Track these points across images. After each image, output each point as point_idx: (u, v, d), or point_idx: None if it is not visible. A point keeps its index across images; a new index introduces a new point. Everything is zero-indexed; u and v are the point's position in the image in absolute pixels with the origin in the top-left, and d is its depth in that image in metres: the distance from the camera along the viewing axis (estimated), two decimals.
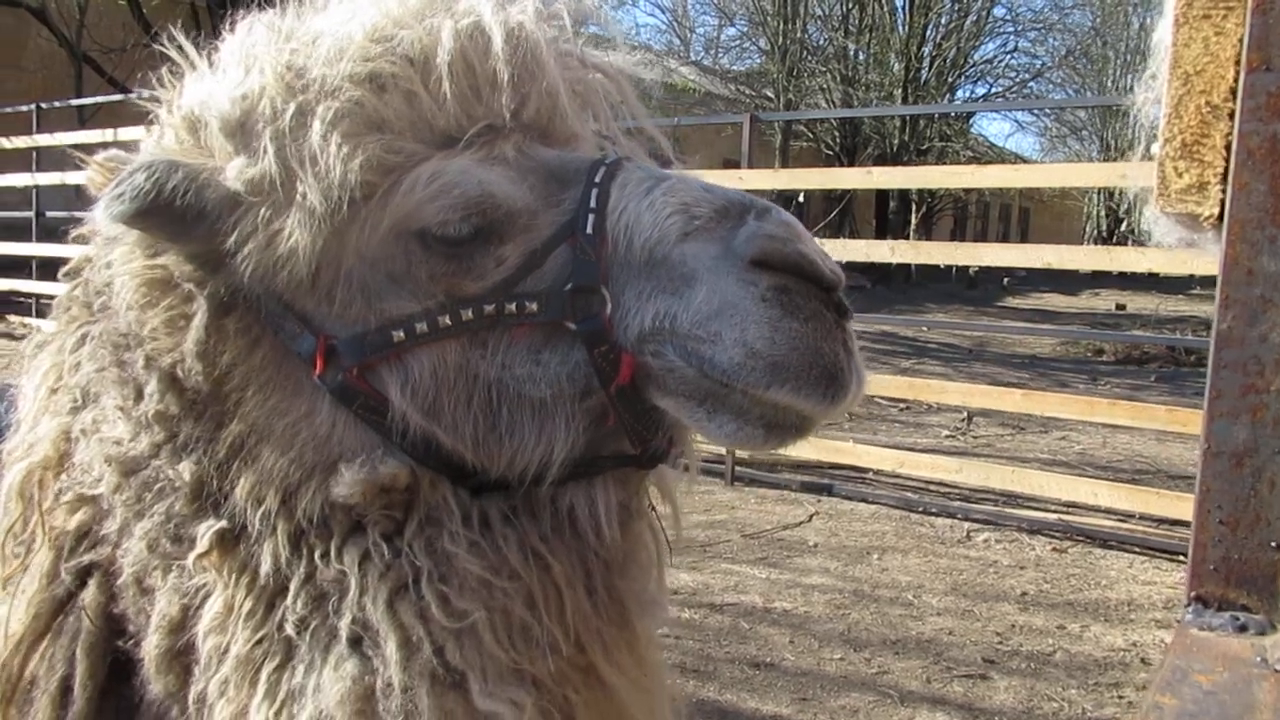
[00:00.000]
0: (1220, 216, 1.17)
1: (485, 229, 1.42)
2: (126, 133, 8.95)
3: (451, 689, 1.41)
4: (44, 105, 14.44)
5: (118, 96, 12.84)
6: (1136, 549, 7.25)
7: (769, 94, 31.57)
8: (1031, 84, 35.68)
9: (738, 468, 8.68)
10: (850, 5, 31.48)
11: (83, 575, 1.57)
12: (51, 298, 1.76)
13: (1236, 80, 1.17)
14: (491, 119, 1.45)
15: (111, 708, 1.56)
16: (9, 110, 14.98)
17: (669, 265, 1.38)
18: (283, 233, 1.37)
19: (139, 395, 1.50)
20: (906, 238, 29.45)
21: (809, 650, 5.34)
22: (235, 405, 1.44)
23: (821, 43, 32.67)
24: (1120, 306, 26.20)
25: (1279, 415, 1.13)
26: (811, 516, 7.87)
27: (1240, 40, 1.15)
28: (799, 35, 31.11)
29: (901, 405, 12.17)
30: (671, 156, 1.75)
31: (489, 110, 1.45)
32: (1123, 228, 39.26)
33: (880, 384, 9.11)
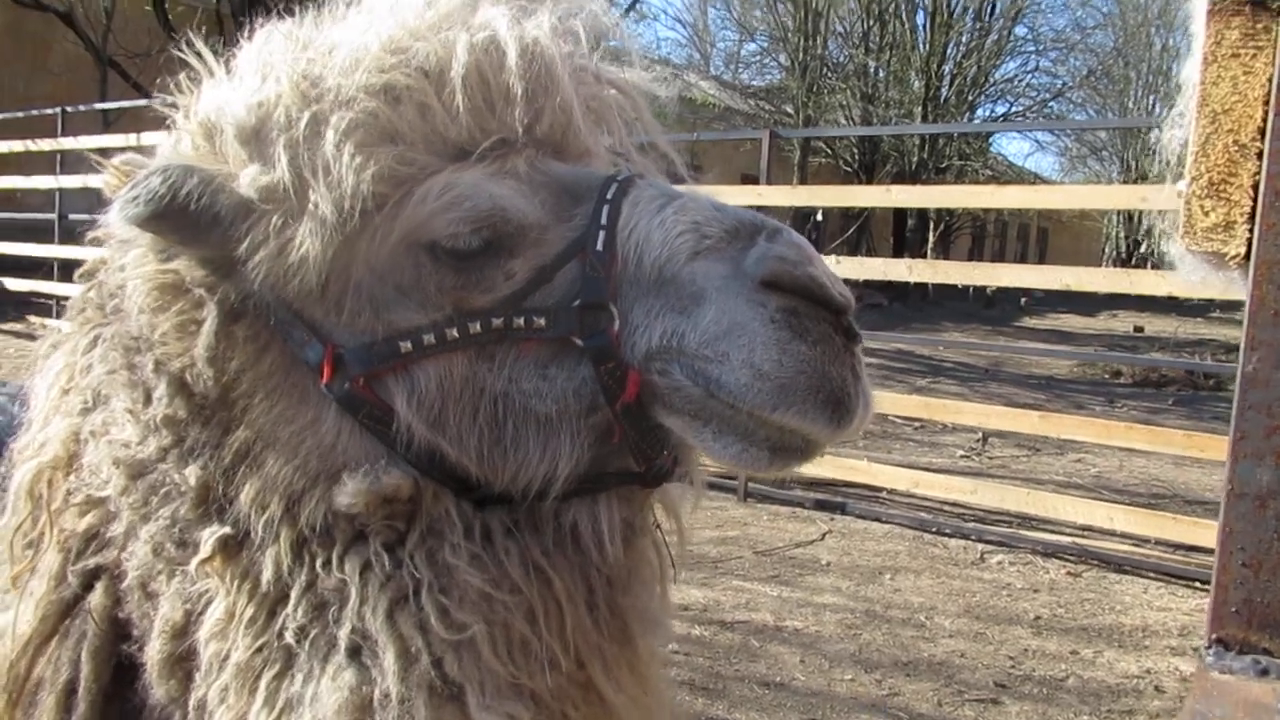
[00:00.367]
0: (1247, 255, 1.17)
1: (495, 242, 1.42)
2: (149, 137, 9.05)
3: (449, 701, 1.40)
4: (69, 109, 14.59)
5: (142, 101, 12.96)
6: (1152, 574, 7.18)
7: (788, 110, 31.60)
8: (1052, 104, 35.61)
9: (750, 484, 8.64)
10: (871, 22, 31.49)
11: (90, 578, 1.58)
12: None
13: (1265, 119, 1.17)
14: (504, 133, 1.45)
15: (115, 712, 1.56)
16: (35, 113, 15.14)
17: (678, 284, 1.38)
18: (294, 241, 1.37)
19: (148, 399, 1.51)
20: (924, 256, 29.39)
21: (819, 670, 5.31)
22: (242, 411, 1.44)
23: (842, 59, 32.70)
24: (1139, 329, 26.03)
25: None
26: (824, 535, 7.83)
27: (1269, 80, 1.15)
28: (819, 52, 31.14)
29: (916, 424, 12.11)
30: (685, 173, 1.75)
31: (502, 124, 1.45)
32: (1142, 249, 39.05)
33: (895, 403, 9.08)
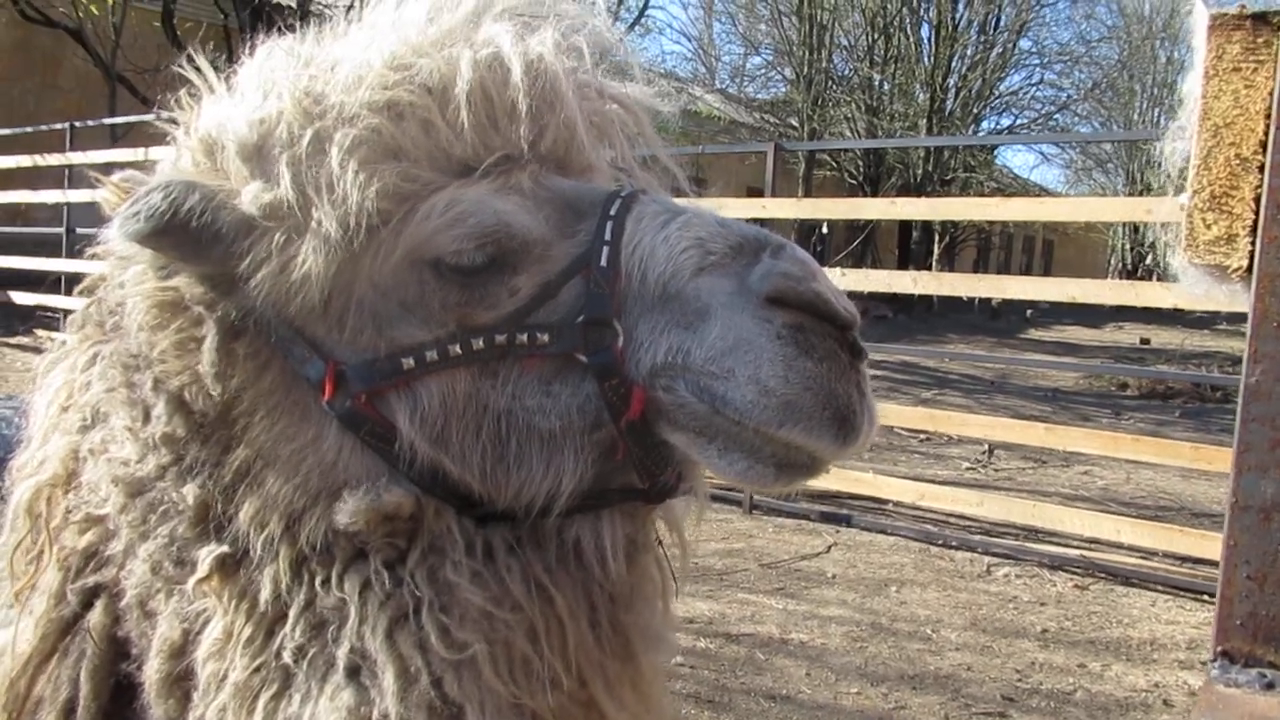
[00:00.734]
0: (1249, 268, 1.17)
1: (499, 259, 1.41)
2: (157, 152, 9.08)
3: None
4: (77, 124, 14.68)
5: (148, 116, 13.01)
6: (1159, 587, 7.15)
7: (793, 123, 31.63)
8: (1057, 116, 35.58)
9: (755, 496, 8.62)
10: (876, 36, 31.54)
11: (89, 596, 1.57)
12: None
13: (1266, 133, 1.18)
14: (508, 149, 1.45)
15: None
16: (44, 129, 15.23)
17: (683, 300, 1.37)
18: (297, 258, 1.37)
19: (146, 417, 1.50)
20: (929, 268, 29.34)
21: (825, 683, 5.29)
22: (243, 430, 1.44)
23: (846, 73, 32.73)
24: (1145, 341, 25.97)
25: None
26: (830, 547, 7.81)
27: (1270, 93, 1.15)
28: (824, 65, 31.17)
29: (922, 436, 12.09)
30: (687, 187, 1.75)
31: (506, 141, 1.45)
32: (1147, 262, 38.99)
33: (901, 415, 9.06)
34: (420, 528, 1.43)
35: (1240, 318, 1.21)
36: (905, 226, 30.97)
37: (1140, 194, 33.26)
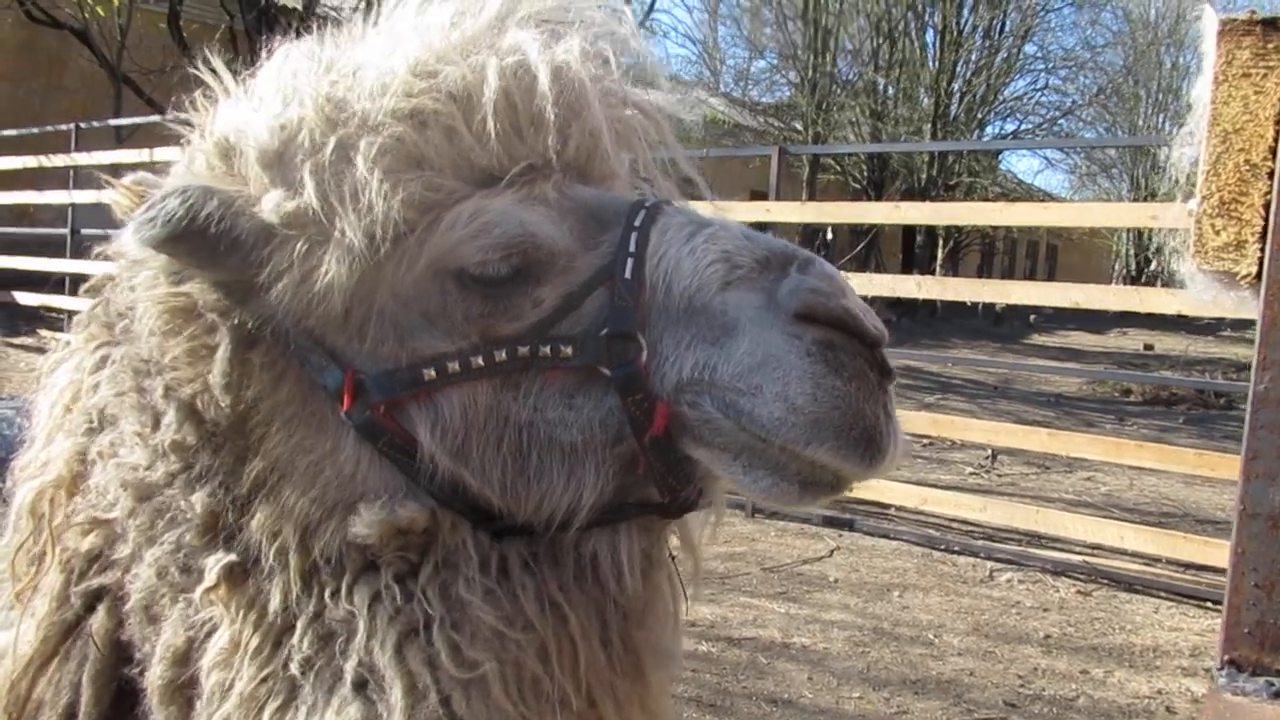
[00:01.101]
0: (1258, 274, 1.16)
1: (524, 270, 1.40)
2: (162, 153, 9.10)
3: None
4: (82, 125, 14.70)
5: (154, 118, 13.04)
6: (1163, 594, 7.13)
7: (798, 126, 31.63)
8: (1061, 121, 35.60)
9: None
10: (880, 40, 31.53)
11: (92, 599, 1.56)
12: None
13: (1276, 139, 1.17)
14: (533, 159, 1.43)
15: None
16: (50, 130, 15.26)
17: (709, 314, 1.36)
18: (320, 268, 1.35)
19: (156, 423, 1.48)
20: (933, 272, 29.34)
21: (828, 688, 5.28)
22: (259, 441, 1.41)
23: (851, 77, 32.72)
24: (1149, 347, 25.91)
25: None
26: (832, 551, 7.80)
27: None
28: (829, 69, 31.17)
29: (925, 441, 12.07)
30: (709, 195, 1.72)
31: (531, 150, 1.43)
32: (1152, 267, 38.96)
33: (904, 419, 8.99)
34: (435, 542, 1.41)
35: (1245, 324, 1.21)
36: (909, 231, 30.97)
37: (1145, 199, 33.23)
